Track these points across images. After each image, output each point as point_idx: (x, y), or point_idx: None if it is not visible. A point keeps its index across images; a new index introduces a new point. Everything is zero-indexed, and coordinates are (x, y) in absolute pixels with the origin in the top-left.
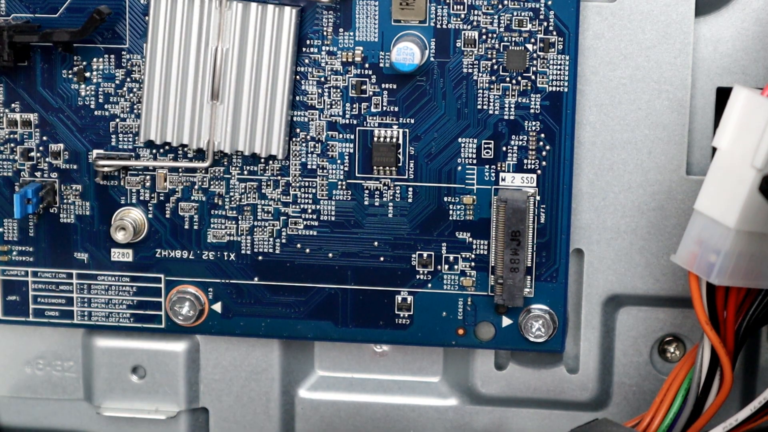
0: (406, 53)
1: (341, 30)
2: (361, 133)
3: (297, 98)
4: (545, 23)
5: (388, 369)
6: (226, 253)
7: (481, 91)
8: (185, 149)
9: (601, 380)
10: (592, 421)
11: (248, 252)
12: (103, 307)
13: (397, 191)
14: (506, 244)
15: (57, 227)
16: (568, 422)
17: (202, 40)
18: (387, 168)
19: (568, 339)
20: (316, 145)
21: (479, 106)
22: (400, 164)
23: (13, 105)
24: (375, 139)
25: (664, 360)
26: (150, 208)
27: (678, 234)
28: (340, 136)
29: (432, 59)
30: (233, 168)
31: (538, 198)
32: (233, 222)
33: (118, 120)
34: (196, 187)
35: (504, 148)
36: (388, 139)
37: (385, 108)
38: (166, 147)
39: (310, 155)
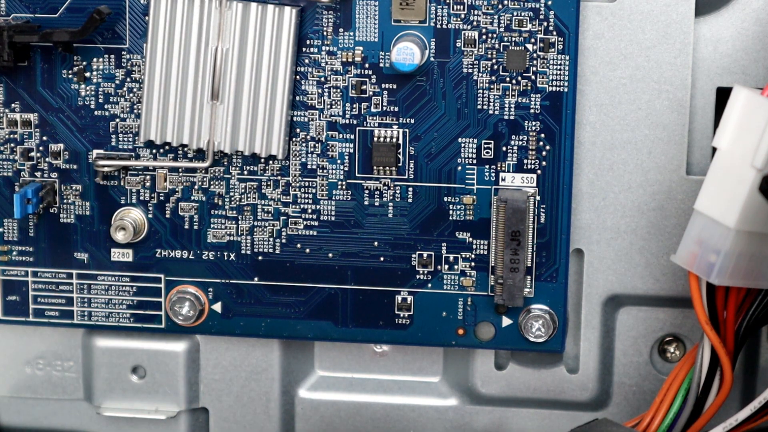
0: (406, 53)
1: (341, 30)
2: (361, 133)
3: (297, 98)
4: (545, 23)
5: (388, 369)
6: (226, 253)
7: (481, 91)
8: (185, 149)
9: (601, 380)
10: (592, 421)
11: (248, 252)
12: (103, 307)
13: (397, 191)
14: (506, 244)
15: (57, 227)
16: (568, 422)
17: (202, 40)
18: (387, 168)
19: (568, 339)
20: (316, 145)
21: (479, 106)
22: (400, 164)
23: (13, 105)
24: (375, 139)
25: (664, 360)
26: (150, 208)
27: (678, 234)
28: (340, 136)
29: (432, 59)
30: (233, 168)
31: (538, 198)
32: (233, 222)
33: (118, 120)
34: (196, 187)
35: (504, 148)
36: (388, 139)
37: (385, 108)
38: (166, 147)
39: (310, 155)
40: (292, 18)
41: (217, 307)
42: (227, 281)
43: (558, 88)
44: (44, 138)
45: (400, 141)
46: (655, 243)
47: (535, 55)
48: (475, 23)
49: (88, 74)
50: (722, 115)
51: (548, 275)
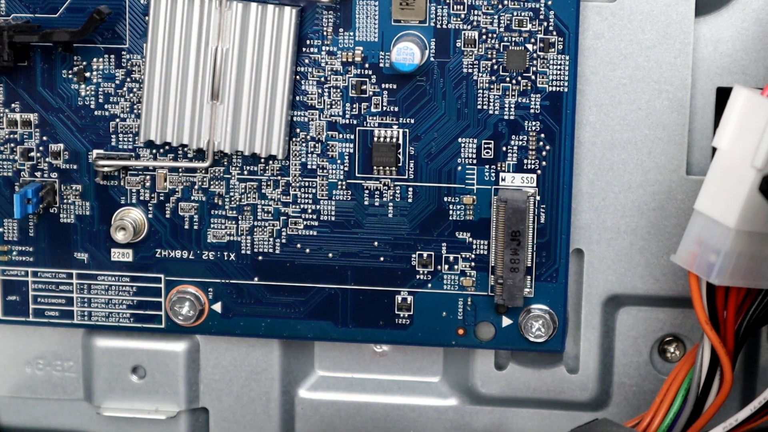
0: (406, 53)
1: (341, 30)
2: (361, 133)
3: (297, 98)
4: (545, 23)
5: (388, 369)
6: (226, 253)
7: (481, 91)
8: (185, 149)
9: (601, 380)
10: (592, 421)
11: (248, 252)
12: (103, 307)
13: (397, 191)
14: (506, 244)
15: (57, 227)
16: (568, 422)
17: (202, 40)
18: (387, 168)
19: (568, 339)
20: (316, 145)
21: (479, 106)
22: (400, 164)
23: (13, 105)
24: (375, 139)
25: (664, 360)
26: (150, 208)
27: (678, 234)
28: (340, 136)
29: (432, 59)
30: (233, 168)
31: (538, 198)
32: (233, 222)
33: (118, 120)
34: (196, 187)
35: (504, 148)
36: (388, 139)
37: (385, 108)
38: (166, 147)
39: (310, 155)
40: (292, 18)
41: (217, 307)
42: (227, 281)
43: (558, 88)
44: (44, 138)
45: (400, 141)
46: (655, 243)
47: (535, 55)
48: (475, 23)
49: (88, 74)
50: (722, 115)
51: (548, 275)
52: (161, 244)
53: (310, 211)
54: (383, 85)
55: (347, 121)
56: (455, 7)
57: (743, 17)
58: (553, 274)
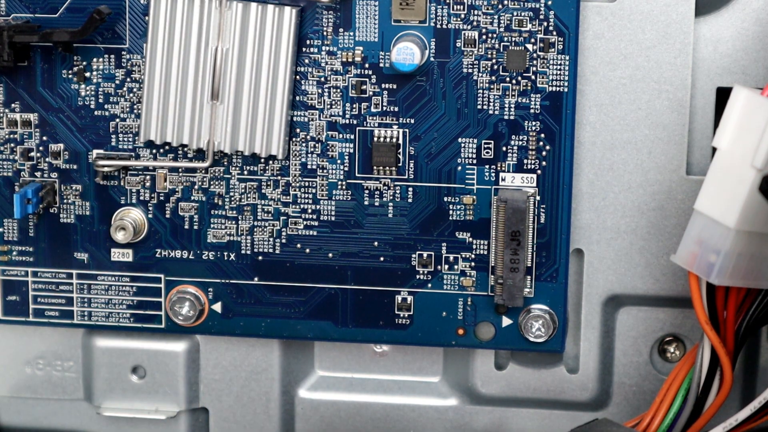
0: (406, 53)
1: (341, 30)
2: (361, 133)
3: (297, 98)
4: (545, 23)
5: (388, 369)
6: (226, 253)
7: (481, 91)
8: (185, 149)
9: (601, 380)
10: (592, 421)
11: (248, 252)
12: (103, 307)
13: (397, 191)
14: (506, 244)
15: (57, 227)
16: (568, 422)
17: (202, 40)
18: (387, 168)
19: (568, 339)
20: (316, 145)
21: (479, 106)
22: (400, 164)
23: (13, 105)
24: (375, 139)
25: (664, 360)
26: (150, 208)
27: (678, 234)
28: (340, 136)
29: (432, 59)
30: (233, 168)
31: (538, 198)
32: (233, 222)
33: (118, 120)
34: (196, 187)
35: (504, 148)
36: (388, 139)
37: (385, 108)
38: (166, 147)
39: (310, 155)
40: (292, 18)
41: (217, 307)
42: (227, 281)
43: (558, 88)
44: (44, 138)
45: (400, 141)
46: (655, 243)
47: (535, 55)
48: (475, 23)
49: (88, 74)
50: (722, 115)
51: (548, 275)
52: (161, 244)
53: (310, 211)
54: (383, 85)
55: (347, 121)
56: (455, 7)
57: (743, 17)
58: (553, 274)
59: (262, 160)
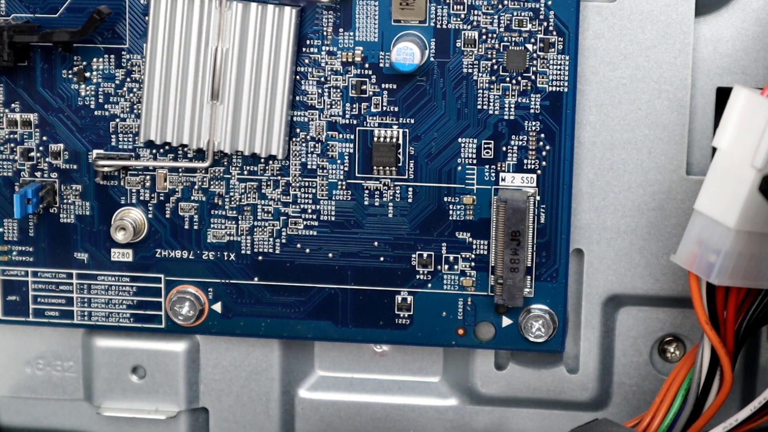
0: (406, 53)
1: (341, 30)
2: (361, 133)
3: (297, 98)
4: (545, 23)
5: (388, 369)
6: (226, 253)
7: (481, 91)
8: (185, 149)
9: (601, 380)
10: (592, 421)
11: (248, 252)
12: (103, 307)
13: (397, 191)
14: (506, 244)
15: (57, 227)
16: (568, 422)
17: (202, 40)
18: (387, 168)
19: (568, 339)
20: (316, 145)
21: (479, 106)
22: (400, 164)
23: (13, 105)
24: (375, 139)
25: (664, 360)
26: (150, 208)
27: (678, 234)
28: (340, 136)
29: (432, 59)
30: (233, 168)
31: (538, 198)
32: (233, 222)
33: (118, 120)
34: (196, 187)
35: (504, 148)
36: (388, 139)
37: (385, 108)
38: (166, 147)
39: (310, 155)
40: (292, 18)
41: (217, 307)
42: (227, 281)
43: (558, 88)
44: (44, 138)
45: (400, 141)
46: (655, 243)
47: (535, 55)
48: (475, 23)
49: (88, 74)
50: (722, 115)
51: (548, 275)
52: (161, 244)
53: (310, 211)
54: (383, 85)
55: (347, 121)
56: (455, 7)
57: (743, 17)
58: (553, 274)
59: (262, 160)
